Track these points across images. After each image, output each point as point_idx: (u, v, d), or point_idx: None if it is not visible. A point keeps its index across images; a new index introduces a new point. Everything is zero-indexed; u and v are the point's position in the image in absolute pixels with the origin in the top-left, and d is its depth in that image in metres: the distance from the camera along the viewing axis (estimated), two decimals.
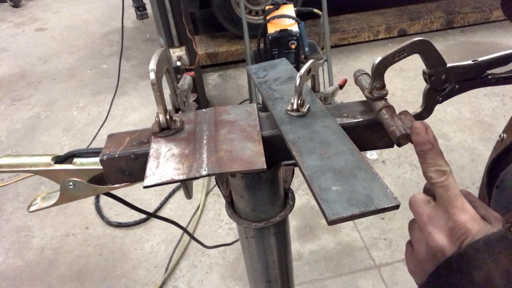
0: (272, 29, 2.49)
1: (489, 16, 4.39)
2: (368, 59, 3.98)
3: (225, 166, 0.49)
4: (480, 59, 0.56)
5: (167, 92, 0.60)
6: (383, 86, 0.54)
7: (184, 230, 0.87)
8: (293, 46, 2.47)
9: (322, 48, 2.91)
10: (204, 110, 0.62)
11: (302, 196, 2.51)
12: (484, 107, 3.18)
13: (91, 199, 2.63)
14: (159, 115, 0.55)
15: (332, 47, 3.32)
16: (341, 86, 1.02)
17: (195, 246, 2.30)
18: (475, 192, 0.60)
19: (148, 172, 0.49)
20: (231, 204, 0.68)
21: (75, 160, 0.58)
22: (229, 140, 0.54)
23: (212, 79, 3.96)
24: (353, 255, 2.17)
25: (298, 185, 2.57)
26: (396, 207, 0.41)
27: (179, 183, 0.57)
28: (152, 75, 0.52)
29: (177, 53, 2.66)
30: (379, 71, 0.53)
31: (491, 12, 4.36)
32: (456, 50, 4.04)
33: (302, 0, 3.88)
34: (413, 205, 0.48)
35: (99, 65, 4.42)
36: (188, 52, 2.70)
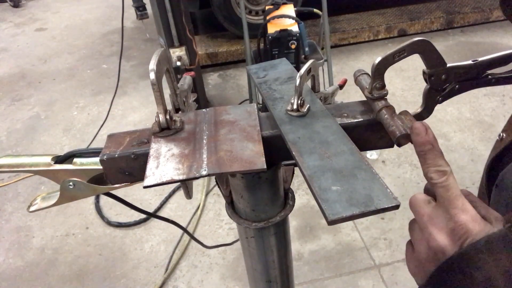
0: (272, 29, 2.49)
1: (489, 16, 4.39)
2: (368, 59, 3.98)
3: (225, 166, 0.49)
4: (480, 59, 0.56)
5: (167, 92, 0.60)
6: (383, 86, 0.54)
7: (184, 230, 0.87)
8: (293, 46, 2.47)
9: (322, 48, 2.91)
10: (204, 110, 0.62)
11: (302, 196, 2.51)
12: (484, 107, 3.18)
13: (91, 199, 2.63)
14: (159, 115, 0.55)
15: (332, 47, 3.32)
16: (341, 86, 1.02)
17: (195, 246, 2.30)
18: (474, 191, 0.60)
19: (148, 172, 0.49)
20: (231, 204, 0.68)
21: (75, 160, 0.58)
22: (229, 140, 0.54)
23: (212, 79, 3.96)
24: (353, 255, 2.17)
25: (298, 185, 2.57)
26: (396, 207, 0.41)
27: (179, 183, 0.57)
28: (152, 75, 0.52)
29: (177, 53, 2.66)
30: (379, 71, 0.53)
31: (491, 12, 4.36)
32: (456, 50, 4.04)
33: (302, 0, 3.88)
34: (413, 205, 0.48)
35: (99, 65, 4.42)
36: (188, 52, 2.70)
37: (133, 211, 0.84)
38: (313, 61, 0.60)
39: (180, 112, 0.65)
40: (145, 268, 2.21)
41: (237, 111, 0.60)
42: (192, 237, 0.94)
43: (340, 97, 3.05)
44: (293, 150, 0.49)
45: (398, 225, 2.30)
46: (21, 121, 3.57)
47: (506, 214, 0.44)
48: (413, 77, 3.59)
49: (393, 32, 4.31)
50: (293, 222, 2.35)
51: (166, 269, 2.17)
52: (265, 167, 0.48)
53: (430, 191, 0.49)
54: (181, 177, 0.48)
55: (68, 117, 3.56)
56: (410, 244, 0.51)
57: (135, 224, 2.45)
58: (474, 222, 0.43)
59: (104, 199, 2.64)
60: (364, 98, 0.58)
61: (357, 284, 2.04)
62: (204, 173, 0.48)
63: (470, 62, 0.55)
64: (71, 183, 0.57)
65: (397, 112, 0.54)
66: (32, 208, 0.60)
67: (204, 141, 0.54)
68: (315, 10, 2.71)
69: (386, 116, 0.53)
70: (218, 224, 2.41)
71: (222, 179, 0.67)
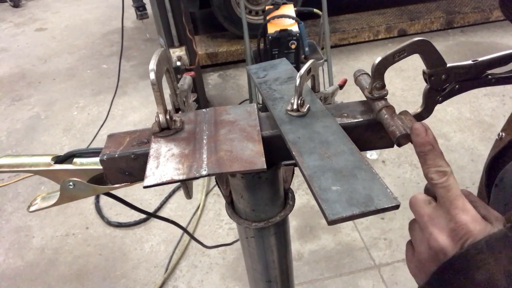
0: (272, 29, 2.49)
1: (489, 16, 4.39)
2: (368, 59, 3.98)
3: (225, 166, 0.49)
4: (480, 59, 0.56)
5: (167, 92, 0.60)
6: (383, 86, 0.54)
7: (184, 230, 0.87)
8: (293, 46, 2.47)
9: (322, 48, 2.91)
10: (204, 110, 0.62)
11: (302, 196, 2.51)
12: (484, 107, 3.18)
13: (91, 199, 2.63)
14: (159, 115, 0.55)
15: (332, 47, 3.32)
16: (341, 86, 1.02)
17: (195, 246, 2.30)
18: (475, 191, 0.60)
19: (148, 172, 0.49)
20: (231, 204, 0.68)
21: (75, 160, 0.58)
22: (229, 140, 0.54)
23: (212, 79, 3.96)
24: (353, 255, 2.17)
25: (298, 185, 2.57)
26: (396, 207, 0.41)
27: (179, 183, 0.57)
28: (152, 75, 0.52)
29: (177, 53, 2.66)
30: (379, 71, 0.53)
31: (491, 12, 4.36)
32: (456, 50, 4.04)
33: (302, 0, 3.88)
34: (413, 206, 0.48)
35: (99, 65, 4.42)
36: (188, 52, 2.70)
37: (133, 211, 0.84)
38: (313, 61, 0.60)
39: (180, 112, 0.65)
40: (145, 268, 2.21)
41: (237, 111, 0.60)
42: (192, 237, 0.94)
43: (340, 97, 3.05)
44: (293, 150, 0.49)
45: (398, 225, 2.30)
46: (21, 121, 3.57)
47: (506, 213, 0.44)
48: (413, 77, 3.59)
49: (393, 32, 4.32)
50: (293, 222, 2.35)
51: (166, 269, 2.17)
52: (265, 167, 0.48)
53: (430, 191, 0.49)
54: (181, 177, 0.48)
55: (68, 117, 3.56)
56: (410, 244, 0.51)
57: (135, 224, 2.45)
58: (475, 223, 0.43)
59: (104, 199, 2.64)
60: (364, 98, 0.58)
61: (357, 284, 2.04)
62: (204, 173, 0.48)
63: (470, 62, 0.56)
64: (71, 183, 0.57)
65: (397, 112, 0.54)
66: (32, 208, 0.60)
67: (204, 141, 0.54)
68: (315, 10, 2.71)
69: (386, 116, 0.53)
70: (218, 224, 2.41)
71: (222, 179, 0.67)
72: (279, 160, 0.60)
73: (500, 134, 0.68)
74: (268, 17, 2.57)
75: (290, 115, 0.56)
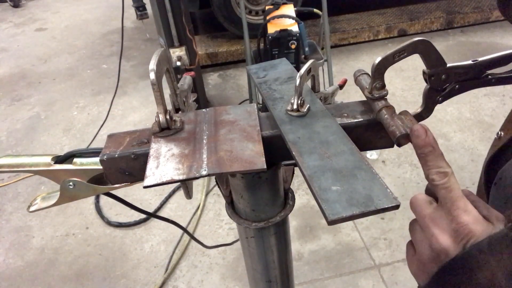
0: (272, 29, 2.49)
1: (489, 16, 4.39)
2: (368, 59, 3.98)
3: (225, 166, 0.49)
4: (480, 59, 0.55)
5: (167, 92, 0.60)
6: (383, 86, 0.54)
7: (184, 230, 0.87)
8: (293, 46, 2.47)
9: (322, 48, 2.91)
10: (204, 110, 0.62)
11: (302, 196, 2.51)
12: (484, 107, 3.18)
13: (91, 199, 2.63)
14: (159, 115, 0.55)
15: (332, 47, 3.32)
16: (341, 86, 1.02)
17: (195, 246, 2.30)
18: (475, 191, 0.60)
19: (148, 172, 0.49)
20: (231, 204, 0.68)
21: (75, 160, 0.58)
22: (229, 140, 0.54)
23: (212, 79, 3.96)
24: (353, 255, 2.17)
25: (298, 185, 2.57)
26: (396, 207, 0.41)
27: (179, 183, 0.57)
28: (152, 75, 0.52)
29: (177, 53, 2.66)
30: (379, 71, 0.53)
31: (491, 12, 4.36)
32: (456, 50, 4.04)
33: (302, 0, 3.88)
34: (414, 206, 0.48)
35: (99, 65, 4.42)
36: (188, 52, 2.70)
37: (133, 211, 0.84)
38: (313, 61, 0.60)
39: (180, 112, 0.65)
40: (145, 268, 2.21)
41: (237, 111, 0.60)
42: (192, 237, 0.94)
43: (340, 97, 3.05)
44: (293, 150, 0.49)
45: (398, 225, 2.30)
46: (21, 121, 3.57)
47: (505, 211, 0.44)
48: (413, 77, 3.59)
49: (393, 32, 4.32)
50: (293, 222, 2.35)
51: (166, 269, 2.17)
52: (265, 167, 0.48)
53: (431, 191, 0.49)
54: (181, 177, 0.48)
55: (68, 117, 3.56)
56: (411, 244, 0.51)
57: (135, 224, 2.45)
58: (477, 223, 0.43)
59: (104, 199, 2.64)
60: (364, 98, 0.58)
61: (357, 284, 2.04)
62: (204, 173, 0.48)
63: (470, 62, 0.55)
64: (71, 183, 0.57)
65: (397, 112, 0.54)
66: (32, 208, 0.60)
67: (204, 141, 0.54)
68: (315, 10, 2.71)
69: (386, 116, 0.53)
70: (218, 224, 2.41)
71: (222, 179, 0.67)
72: (279, 160, 0.60)
73: (499, 133, 0.68)
74: (268, 17, 2.57)
75: (290, 115, 0.56)
